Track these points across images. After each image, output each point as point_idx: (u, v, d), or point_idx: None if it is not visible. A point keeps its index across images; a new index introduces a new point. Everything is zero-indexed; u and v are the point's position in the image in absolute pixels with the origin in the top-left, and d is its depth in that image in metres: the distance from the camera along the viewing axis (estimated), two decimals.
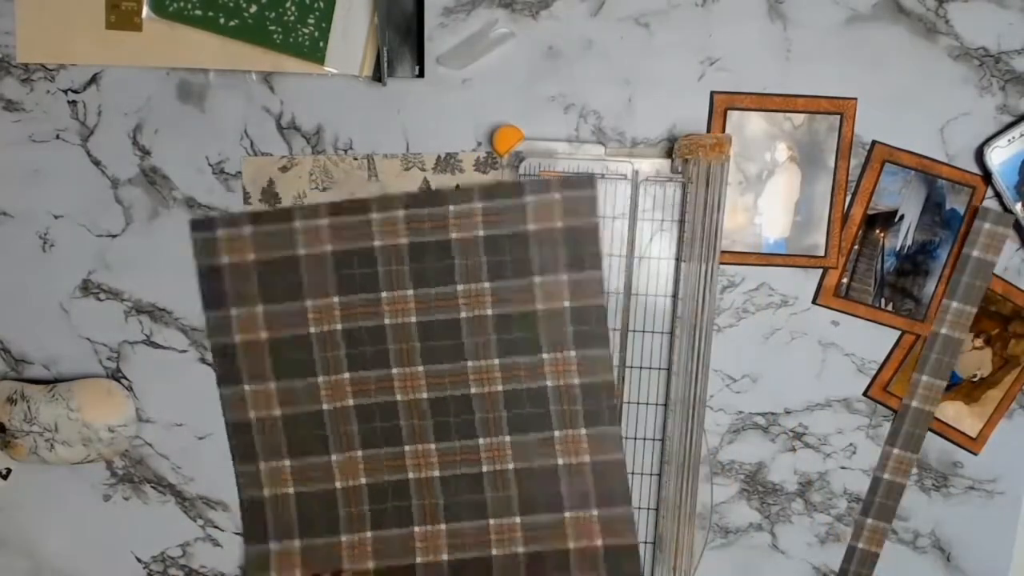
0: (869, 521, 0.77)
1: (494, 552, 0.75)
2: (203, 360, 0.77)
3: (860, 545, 0.78)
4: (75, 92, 0.74)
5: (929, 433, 0.77)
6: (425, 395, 0.74)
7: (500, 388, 0.74)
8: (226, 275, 0.73)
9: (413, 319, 0.73)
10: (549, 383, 0.74)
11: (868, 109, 0.73)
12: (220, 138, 0.74)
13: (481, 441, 0.74)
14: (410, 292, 0.73)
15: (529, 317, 0.73)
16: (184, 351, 0.77)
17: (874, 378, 0.76)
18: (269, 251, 0.73)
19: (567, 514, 0.75)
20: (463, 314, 0.73)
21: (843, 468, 0.77)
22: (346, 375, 0.74)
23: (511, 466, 0.75)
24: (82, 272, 0.76)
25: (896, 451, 0.76)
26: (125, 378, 0.77)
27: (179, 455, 0.78)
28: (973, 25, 0.72)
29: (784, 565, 0.79)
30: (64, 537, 0.80)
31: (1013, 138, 0.72)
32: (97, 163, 0.75)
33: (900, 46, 0.72)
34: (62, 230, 0.76)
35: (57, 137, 0.75)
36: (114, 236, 0.76)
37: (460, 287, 0.73)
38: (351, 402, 0.74)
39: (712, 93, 0.72)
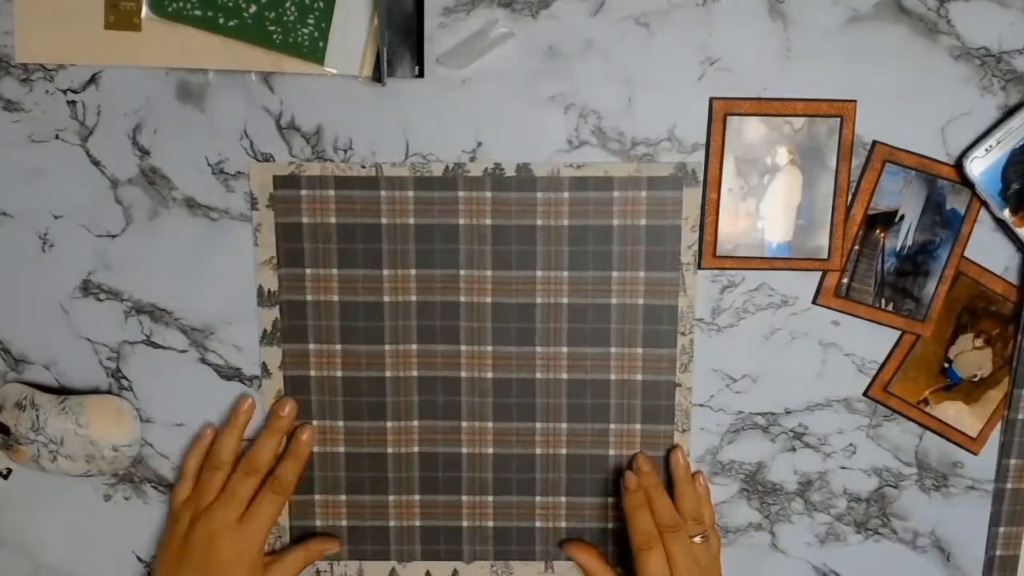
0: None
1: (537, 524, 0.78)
2: (203, 360, 0.77)
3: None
4: (74, 92, 0.74)
5: (929, 433, 0.77)
6: (490, 375, 0.76)
7: (565, 376, 0.76)
8: (305, 235, 0.75)
9: (489, 300, 0.75)
10: (613, 377, 0.75)
11: (869, 109, 0.72)
12: (220, 138, 0.74)
13: (538, 425, 0.77)
14: (489, 273, 0.74)
15: (603, 310, 0.75)
16: (184, 351, 0.77)
17: (874, 378, 0.76)
18: (351, 216, 0.74)
19: (610, 500, 0.78)
20: (539, 300, 0.75)
21: (843, 468, 0.77)
22: (414, 347, 0.76)
23: (564, 451, 0.77)
24: (82, 272, 0.76)
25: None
26: (125, 378, 0.77)
27: (179, 455, 0.78)
28: (974, 25, 0.72)
29: (784, 565, 0.79)
30: (64, 537, 0.80)
31: (991, 147, 0.71)
32: (97, 163, 0.75)
33: (901, 46, 0.72)
34: (62, 230, 0.76)
35: (57, 137, 0.75)
36: (114, 236, 0.76)
37: (540, 273, 0.74)
38: (415, 373, 0.76)
39: (711, 99, 0.72)
